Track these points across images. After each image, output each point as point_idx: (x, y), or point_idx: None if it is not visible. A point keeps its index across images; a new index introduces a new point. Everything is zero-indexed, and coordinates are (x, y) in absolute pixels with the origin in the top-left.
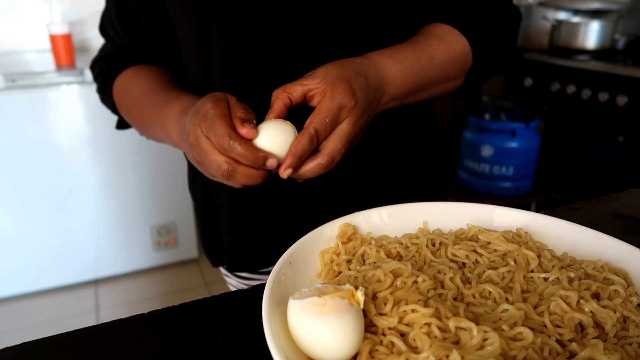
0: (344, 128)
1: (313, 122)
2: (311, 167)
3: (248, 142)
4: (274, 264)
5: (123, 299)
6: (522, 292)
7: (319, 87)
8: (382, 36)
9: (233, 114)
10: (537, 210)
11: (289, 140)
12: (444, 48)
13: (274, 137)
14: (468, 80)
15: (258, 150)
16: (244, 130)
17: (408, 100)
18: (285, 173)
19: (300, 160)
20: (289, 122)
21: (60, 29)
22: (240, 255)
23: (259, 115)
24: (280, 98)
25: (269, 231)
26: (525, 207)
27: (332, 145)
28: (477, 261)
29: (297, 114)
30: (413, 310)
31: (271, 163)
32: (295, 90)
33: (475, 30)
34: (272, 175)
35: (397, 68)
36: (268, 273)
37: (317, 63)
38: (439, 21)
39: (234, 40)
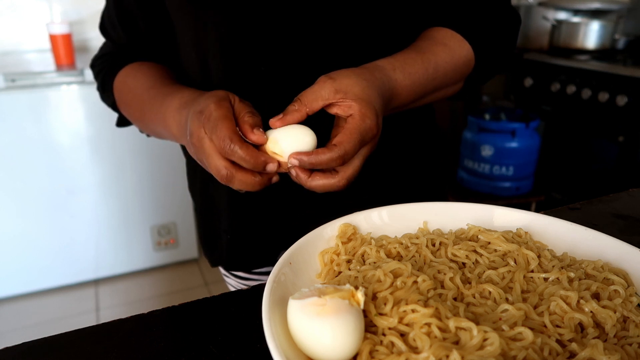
0: (364, 153)
1: (345, 143)
2: (323, 185)
3: (249, 145)
4: (272, 264)
5: (123, 299)
6: (522, 292)
7: (341, 101)
8: (382, 37)
9: (240, 118)
10: (537, 210)
11: (308, 146)
12: (448, 55)
13: (292, 143)
14: (467, 84)
15: (259, 154)
16: (254, 137)
17: (407, 108)
18: (291, 161)
19: (312, 167)
20: (306, 127)
21: (60, 29)
22: (238, 255)
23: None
24: (298, 112)
25: (268, 231)
26: (525, 207)
27: (351, 170)
28: (477, 261)
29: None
30: (413, 311)
31: (271, 167)
32: (316, 104)
33: (478, 36)
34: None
35: (407, 83)
36: (267, 273)
37: (315, 63)
38: (442, 24)
39: (232, 40)
